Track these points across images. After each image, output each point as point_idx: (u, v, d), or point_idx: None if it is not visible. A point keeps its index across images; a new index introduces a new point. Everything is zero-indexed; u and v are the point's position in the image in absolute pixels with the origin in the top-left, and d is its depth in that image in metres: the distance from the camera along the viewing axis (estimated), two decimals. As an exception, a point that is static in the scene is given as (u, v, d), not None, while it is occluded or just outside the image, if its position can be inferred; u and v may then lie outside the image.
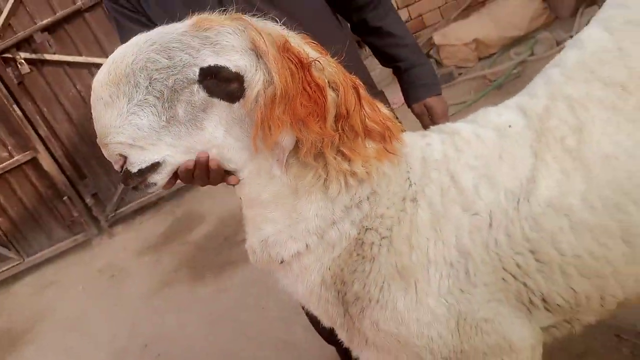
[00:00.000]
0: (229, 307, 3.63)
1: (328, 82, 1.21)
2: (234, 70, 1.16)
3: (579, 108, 1.32)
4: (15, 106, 5.32)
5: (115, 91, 1.16)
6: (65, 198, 5.55)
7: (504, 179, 1.30)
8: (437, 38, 5.35)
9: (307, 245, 1.29)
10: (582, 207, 1.27)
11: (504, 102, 1.46)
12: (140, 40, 1.19)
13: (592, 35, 1.41)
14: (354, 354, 1.47)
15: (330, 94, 1.21)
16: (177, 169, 1.23)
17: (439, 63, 5.39)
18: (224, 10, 1.24)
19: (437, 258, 1.28)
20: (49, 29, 5.30)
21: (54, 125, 5.56)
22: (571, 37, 3.82)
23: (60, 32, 5.36)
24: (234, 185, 1.29)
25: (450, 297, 1.28)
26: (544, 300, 1.34)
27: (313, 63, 1.20)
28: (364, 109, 1.27)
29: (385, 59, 1.88)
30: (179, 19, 1.23)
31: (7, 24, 5.24)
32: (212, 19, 1.21)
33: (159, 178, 1.23)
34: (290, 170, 1.25)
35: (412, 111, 1.85)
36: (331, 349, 2.42)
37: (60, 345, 4.21)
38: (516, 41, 5.09)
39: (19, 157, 5.40)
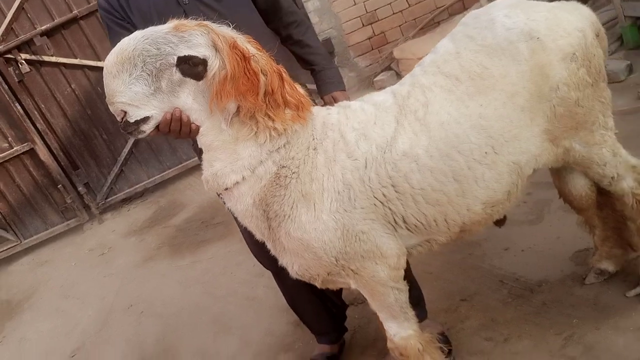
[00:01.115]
0: (202, 274, 4.21)
1: (261, 69, 1.83)
2: (201, 57, 1.76)
3: (428, 91, 1.95)
4: (15, 102, 5.84)
5: (121, 68, 1.74)
6: (59, 186, 6.06)
7: (376, 137, 1.92)
8: (397, 52, 5.98)
9: (243, 177, 1.89)
10: (425, 155, 1.89)
11: (386, 88, 2.10)
12: (139, 36, 1.77)
13: (443, 44, 2.05)
14: (279, 261, 2.08)
15: (262, 78, 1.82)
16: (159, 124, 1.83)
17: (398, 74, 6.03)
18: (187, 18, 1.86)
19: (329, 187, 1.89)
20: (48, 33, 5.87)
21: (51, 120, 6.10)
22: None
23: (58, 36, 5.92)
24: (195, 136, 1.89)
25: (338, 215, 1.89)
26: (404, 221, 1.96)
27: (252, 57, 1.82)
28: (285, 88, 1.89)
29: (305, 63, 2.51)
30: (155, 24, 1.85)
31: (10, 28, 5.79)
32: (186, 24, 1.80)
33: (147, 128, 1.80)
34: (232, 126, 1.85)
35: (323, 101, 2.48)
36: (283, 301, 2.87)
37: (54, 309, 4.76)
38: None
39: (18, 148, 5.91)
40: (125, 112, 1.77)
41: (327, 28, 6.22)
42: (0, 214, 6.09)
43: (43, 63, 5.96)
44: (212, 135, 1.87)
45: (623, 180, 2.18)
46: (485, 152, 1.91)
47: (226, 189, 1.92)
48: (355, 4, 6.21)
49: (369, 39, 6.34)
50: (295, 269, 2.02)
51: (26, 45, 5.88)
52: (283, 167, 1.89)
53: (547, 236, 2.97)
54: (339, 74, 2.50)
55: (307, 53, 2.48)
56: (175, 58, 1.74)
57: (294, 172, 1.90)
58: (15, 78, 5.83)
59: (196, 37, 1.77)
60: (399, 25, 6.30)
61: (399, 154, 1.90)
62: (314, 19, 6.14)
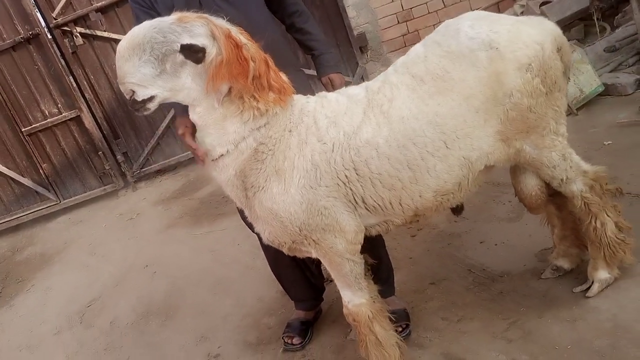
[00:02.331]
0: (214, 243, 4.57)
1: (251, 57, 2.13)
2: (201, 45, 2.05)
3: (395, 88, 2.21)
4: (68, 72, 6.32)
5: (132, 52, 2.02)
6: (100, 153, 6.52)
7: (344, 125, 2.19)
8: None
9: (227, 150, 2.18)
10: (384, 144, 2.16)
11: (362, 83, 2.37)
12: (148, 25, 2.06)
13: (415, 48, 2.31)
14: (255, 227, 2.38)
15: (252, 64, 2.12)
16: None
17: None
18: (202, 9, 2.18)
19: (299, 166, 2.17)
20: (102, 10, 6.29)
21: (98, 90, 6.55)
22: None
23: (111, 13, 6.34)
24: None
25: (304, 190, 2.17)
26: (363, 201, 2.23)
27: (244, 45, 2.13)
28: (270, 73, 2.19)
29: (306, 48, 2.81)
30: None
31: (68, 2, 6.25)
32: (188, 16, 2.10)
33: (152, 105, 2.10)
34: (223, 105, 2.13)
35: (321, 82, 2.77)
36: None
37: (80, 264, 5.22)
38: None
39: (66, 114, 6.38)
40: (134, 92, 2.05)
41: (363, 23, 6.48)
42: (44, 174, 6.56)
43: (96, 37, 6.38)
44: (206, 113, 2.16)
45: (573, 183, 2.39)
46: (438, 146, 2.17)
47: (213, 160, 2.23)
48: (392, 1, 6.46)
49: (403, 36, 6.58)
50: (266, 235, 2.33)
51: (82, 20, 6.30)
52: (261, 144, 2.19)
53: (521, 233, 3.18)
54: (337, 58, 2.81)
55: (308, 40, 2.79)
56: (179, 45, 2.01)
57: (270, 150, 2.19)
58: (70, 49, 6.26)
59: (197, 27, 2.05)
60: (433, 25, 6.48)
61: (362, 142, 2.17)
62: (351, 13, 6.41)
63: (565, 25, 5.45)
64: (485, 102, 2.18)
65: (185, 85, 2.09)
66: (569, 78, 2.46)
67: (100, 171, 6.62)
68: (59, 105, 6.37)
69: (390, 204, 2.25)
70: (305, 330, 3.01)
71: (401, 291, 3.07)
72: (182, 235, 4.97)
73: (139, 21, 2.59)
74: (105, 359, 3.62)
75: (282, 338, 3.01)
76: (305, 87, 2.66)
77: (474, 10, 6.31)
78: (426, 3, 6.38)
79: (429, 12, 6.41)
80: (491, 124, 2.22)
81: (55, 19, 6.14)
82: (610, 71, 4.58)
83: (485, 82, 2.16)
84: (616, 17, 5.21)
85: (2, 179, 6.60)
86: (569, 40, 5.31)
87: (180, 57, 2.03)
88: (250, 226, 2.50)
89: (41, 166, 6.53)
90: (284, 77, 2.26)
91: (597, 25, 4.70)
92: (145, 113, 2.14)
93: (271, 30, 2.65)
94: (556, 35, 2.30)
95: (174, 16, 2.08)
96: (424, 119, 2.16)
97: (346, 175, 2.19)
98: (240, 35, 2.14)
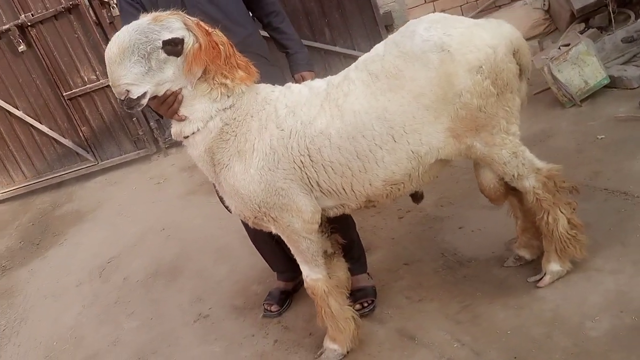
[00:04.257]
0: (224, 212, 4.74)
1: (220, 41, 2.33)
2: (180, 37, 2.27)
3: (351, 84, 2.38)
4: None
5: (122, 56, 2.20)
6: (134, 119, 6.82)
7: (302, 115, 2.38)
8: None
9: (197, 128, 2.40)
10: (336, 135, 2.34)
11: (327, 77, 2.55)
12: (130, 28, 2.26)
13: (377, 47, 2.45)
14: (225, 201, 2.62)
15: (221, 47, 2.34)
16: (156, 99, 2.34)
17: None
18: (185, 5, 2.41)
19: (259, 149, 2.38)
20: (140, -18, 6.57)
21: (135, 59, 6.86)
22: (560, 47, 4.66)
23: (150, -15, 6.62)
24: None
25: (263, 171, 2.38)
26: (318, 185, 2.44)
27: (212, 32, 2.34)
28: (237, 55, 2.40)
29: (280, 47, 3.03)
30: (160, 6, 2.39)
31: (107, -26, 6.55)
32: (161, 15, 2.29)
33: (144, 101, 2.29)
34: (195, 86, 2.35)
35: (294, 79, 2.95)
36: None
37: (109, 222, 5.62)
38: (513, 43, 5.92)
39: (104, 81, 6.66)
40: (128, 91, 2.24)
41: (390, 1, 6.53)
42: (83, 137, 6.96)
43: (134, 8, 6.67)
44: (185, 97, 2.38)
45: (525, 179, 2.52)
46: (386, 139, 2.34)
47: (186, 137, 2.46)
48: (420, -20, 6.47)
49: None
50: (232, 209, 2.57)
51: (120, -9, 6.60)
52: (226, 124, 2.40)
53: (498, 221, 3.30)
54: (308, 57, 3.01)
55: (283, 39, 3.01)
56: (161, 42, 2.22)
57: (233, 131, 2.41)
58: (107, 20, 6.52)
59: (173, 22, 2.27)
60: (460, 6, 6.50)
61: (317, 131, 2.36)
62: (378, -9, 6.47)
63: (590, 12, 5.40)
64: (435, 101, 2.32)
65: (170, 77, 2.30)
66: (528, 78, 2.56)
67: (135, 136, 6.95)
68: (97, 72, 6.70)
69: (343, 189, 2.45)
70: (284, 299, 3.27)
71: (377, 269, 3.28)
72: (200, 201, 5.27)
73: (123, 12, 2.83)
74: (114, 311, 3.98)
75: (263, 304, 3.28)
76: (278, 80, 2.86)
77: (501, -9, 6.33)
78: (454, -17, 6.37)
79: (456, -7, 6.41)
80: (441, 121, 2.36)
81: (95, -10, 6.45)
82: (624, 63, 4.55)
83: (436, 82, 2.30)
84: (642, 5, 5.12)
85: (46, 140, 7.04)
86: (590, 28, 5.29)
87: (162, 54, 2.24)
88: (222, 200, 2.72)
89: (81, 129, 6.92)
90: (246, 59, 2.47)
91: (611, 15, 4.64)
92: (139, 109, 2.36)
93: (249, 27, 2.87)
94: (513, 39, 2.41)
95: (149, 16, 2.29)
96: (374, 113, 2.33)
97: (301, 161, 2.39)
98: (206, 25, 2.37)
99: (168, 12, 2.33)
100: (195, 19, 2.33)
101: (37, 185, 7.17)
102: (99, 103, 6.86)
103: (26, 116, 6.91)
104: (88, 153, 7.05)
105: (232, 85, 2.37)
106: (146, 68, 2.22)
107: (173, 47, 2.24)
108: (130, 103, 2.26)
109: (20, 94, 6.85)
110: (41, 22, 6.50)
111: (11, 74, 6.76)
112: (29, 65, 6.70)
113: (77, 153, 7.06)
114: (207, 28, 2.32)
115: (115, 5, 6.39)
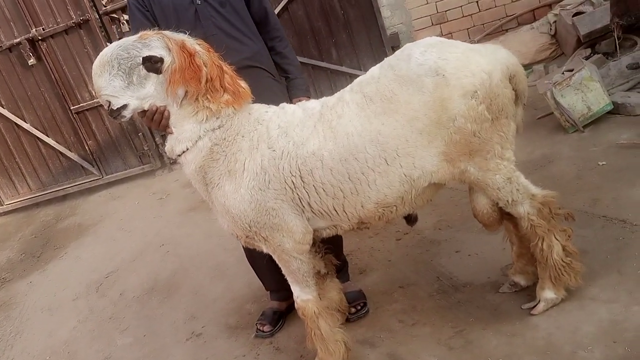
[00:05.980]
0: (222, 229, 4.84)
1: (203, 62, 2.35)
2: (159, 56, 2.31)
3: (345, 106, 2.38)
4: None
5: (103, 69, 2.29)
6: (140, 134, 6.89)
7: (294, 135, 2.39)
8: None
9: (187, 147, 2.43)
10: (329, 157, 2.34)
11: (322, 98, 2.55)
12: (116, 44, 2.33)
13: (372, 69, 2.46)
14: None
15: (204, 69, 2.35)
16: (146, 113, 2.37)
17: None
18: (199, 19, 2.47)
19: (249, 168, 2.39)
20: (149, -1, 6.65)
21: (142, 75, 6.92)
22: (563, 72, 4.66)
23: (159, 2, 6.69)
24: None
25: (253, 191, 2.39)
26: (310, 206, 2.43)
27: (196, 53, 2.35)
28: (225, 77, 2.40)
29: (282, 70, 3.08)
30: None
31: (122, -9, 6.64)
32: (148, 33, 2.33)
33: (127, 113, 2.35)
34: (181, 107, 2.37)
35: (292, 102, 2.96)
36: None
37: (109, 237, 5.63)
38: (519, 67, 5.92)
39: None
40: (110, 102, 2.32)
41: (397, 23, 6.57)
42: (89, 150, 7.02)
43: (143, 25, 6.74)
44: (171, 115, 2.42)
45: (520, 205, 2.50)
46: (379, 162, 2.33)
47: (178, 155, 2.48)
48: (427, 3, 6.50)
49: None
50: (225, 227, 2.57)
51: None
52: (216, 144, 2.42)
53: (495, 246, 3.27)
54: (307, 83, 3.10)
55: (285, 63, 3.07)
56: (142, 58, 2.28)
57: (223, 151, 2.42)
58: (117, 35, 6.61)
59: (154, 41, 2.32)
60: (467, 29, 6.53)
61: (309, 153, 2.36)
62: (385, 13, 6.51)
63: (596, 37, 5.40)
64: (429, 125, 2.31)
65: (150, 94, 2.34)
66: (524, 104, 2.55)
67: (140, 151, 6.99)
68: (105, 87, 6.75)
69: (335, 210, 2.43)
70: (277, 319, 3.25)
71: (372, 291, 3.26)
72: (199, 218, 5.27)
73: (133, 18, 2.89)
74: (108, 326, 3.97)
75: (256, 324, 3.25)
76: (281, 95, 2.88)
77: (508, 15, 6.36)
78: (461, 7, 6.40)
79: (463, 16, 6.44)
80: (435, 145, 2.35)
81: (105, 6, 6.51)
82: (628, 89, 4.53)
83: (430, 107, 2.30)
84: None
85: (52, 152, 7.10)
86: (596, 53, 5.28)
87: (143, 71, 2.30)
88: None
89: (87, 143, 6.98)
90: (242, 83, 2.48)
91: (617, 41, 4.63)
92: (123, 120, 2.41)
93: (259, 44, 2.92)
94: (509, 64, 2.40)
95: (137, 35, 2.36)
96: (367, 136, 2.32)
97: (293, 182, 2.39)
98: (196, 45, 2.38)
99: (153, 31, 2.36)
100: (182, 39, 2.35)
101: (42, 197, 7.23)
102: (105, 118, 6.92)
103: (33, 129, 6.99)
104: (93, 167, 7.11)
105: (216, 109, 2.39)
106: (126, 82, 2.30)
107: (152, 64, 2.29)
108: (112, 113, 2.35)
109: (28, 107, 6.94)
110: (52, 36, 6.63)
111: (20, 87, 6.86)
112: (38, 78, 6.80)
113: (83, 167, 7.12)
114: (191, 49, 2.33)
115: (125, 22, 6.48)
